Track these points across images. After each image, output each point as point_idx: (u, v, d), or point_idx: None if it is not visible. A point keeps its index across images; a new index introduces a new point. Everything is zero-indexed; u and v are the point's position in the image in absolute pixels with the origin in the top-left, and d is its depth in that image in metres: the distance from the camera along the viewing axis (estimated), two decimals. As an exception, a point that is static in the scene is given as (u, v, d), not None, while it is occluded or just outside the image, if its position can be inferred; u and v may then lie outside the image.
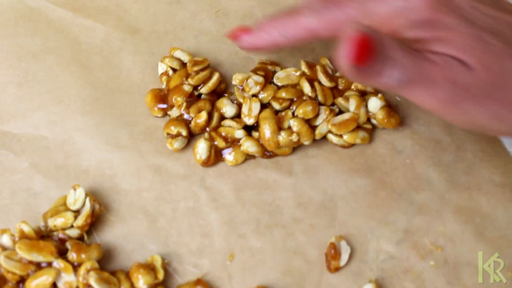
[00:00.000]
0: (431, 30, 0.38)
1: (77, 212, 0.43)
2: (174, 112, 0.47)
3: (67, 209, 0.43)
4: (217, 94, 0.49)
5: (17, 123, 0.48)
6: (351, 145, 0.47)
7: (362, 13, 0.40)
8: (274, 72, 0.49)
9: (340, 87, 0.49)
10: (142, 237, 0.44)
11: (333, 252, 0.43)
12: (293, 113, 0.46)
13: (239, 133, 0.46)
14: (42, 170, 0.46)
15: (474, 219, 0.45)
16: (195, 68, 0.48)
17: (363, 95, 0.48)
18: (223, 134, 0.46)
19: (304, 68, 0.49)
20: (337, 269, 0.42)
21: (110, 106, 0.49)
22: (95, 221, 0.43)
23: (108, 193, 0.45)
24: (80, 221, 0.42)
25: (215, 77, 0.48)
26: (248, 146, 0.46)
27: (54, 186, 0.45)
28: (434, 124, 0.48)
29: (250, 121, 0.46)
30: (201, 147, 0.46)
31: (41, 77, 0.50)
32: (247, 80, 0.48)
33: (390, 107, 0.48)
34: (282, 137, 0.45)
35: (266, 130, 0.45)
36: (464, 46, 0.37)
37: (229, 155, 0.46)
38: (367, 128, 0.47)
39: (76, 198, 0.43)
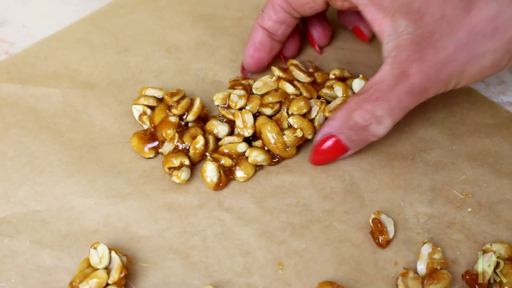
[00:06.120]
0: None
1: (106, 269, 0.39)
2: (167, 147, 0.45)
3: (95, 270, 0.39)
4: (202, 119, 0.47)
5: (1, 206, 0.43)
6: (350, 128, 0.47)
7: None
8: (250, 85, 0.49)
9: (319, 81, 0.49)
10: (182, 275, 0.40)
11: (380, 227, 0.41)
12: (287, 113, 0.46)
13: (242, 147, 0.45)
14: (47, 244, 0.41)
15: (487, 160, 0.46)
16: (175, 98, 0.46)
17: (344, 81, 0.48)
18: (226, 151, 0.45)
19: (278, 72, 0.48)
20: (388, 242, 0.41)
21: (96, 161, 0.45)
22: (127, 274, 0.39)
23: (128, 245, 0.41)
24: (115, 275, 0.38)
25: (198, 102, 0.46)
26: (256, 155, 0.44)
27: (67, 256, 0.40)
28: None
29: (248, 132, 0.45)
30: (210, 169, 0.43)
31: (11, 154, 0.45)
32: (229, 97, 0.46)
33: (374, 82, 0.48)
34: (288, 136, 0.44)
35: (269, 134, 0.44)
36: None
37: (239, 171, 0.44)
38: (359, 109, 0.47)
39: (101, 256, 0.39)
